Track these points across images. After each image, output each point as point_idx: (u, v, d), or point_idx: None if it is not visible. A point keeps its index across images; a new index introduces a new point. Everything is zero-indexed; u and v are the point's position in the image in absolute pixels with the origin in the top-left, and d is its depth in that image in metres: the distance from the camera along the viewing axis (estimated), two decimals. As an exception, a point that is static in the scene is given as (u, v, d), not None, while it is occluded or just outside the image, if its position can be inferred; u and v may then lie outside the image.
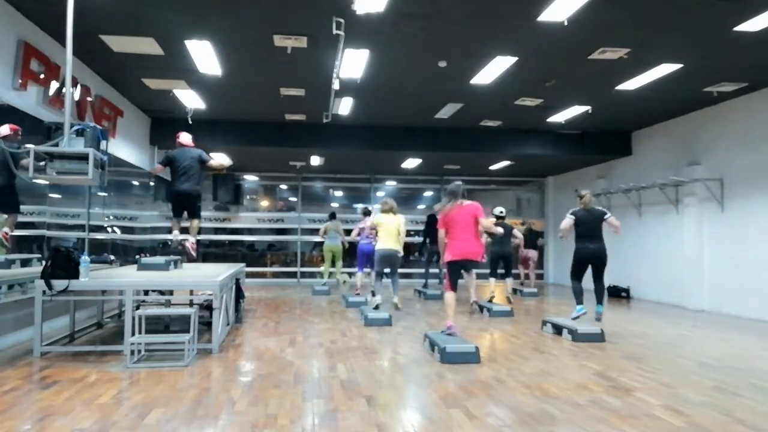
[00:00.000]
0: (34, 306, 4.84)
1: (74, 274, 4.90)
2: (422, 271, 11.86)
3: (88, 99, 7.34)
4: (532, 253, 11.88)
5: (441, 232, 5.75)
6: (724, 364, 5.03)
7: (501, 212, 9.42)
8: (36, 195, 6.48)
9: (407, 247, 11.24)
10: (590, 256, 6.31)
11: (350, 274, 12.24)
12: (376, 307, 7.42)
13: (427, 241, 11.15)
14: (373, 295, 7.81)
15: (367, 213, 10.00)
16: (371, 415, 3.44)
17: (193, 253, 6.90)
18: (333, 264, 11.16)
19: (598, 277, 6.35)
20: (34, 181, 4.61)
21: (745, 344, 6.20)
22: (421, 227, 13.60)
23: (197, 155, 6.63)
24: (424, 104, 9.21)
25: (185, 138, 6.84)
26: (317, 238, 14.79)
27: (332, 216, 11.40)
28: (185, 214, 6.73)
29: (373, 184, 15.18)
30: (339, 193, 16.07)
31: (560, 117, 9.75)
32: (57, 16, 5.07)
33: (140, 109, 9.67)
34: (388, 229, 7.70)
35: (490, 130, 10.92)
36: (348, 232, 10.93)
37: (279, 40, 6.35)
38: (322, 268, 11.53)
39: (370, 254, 8.62)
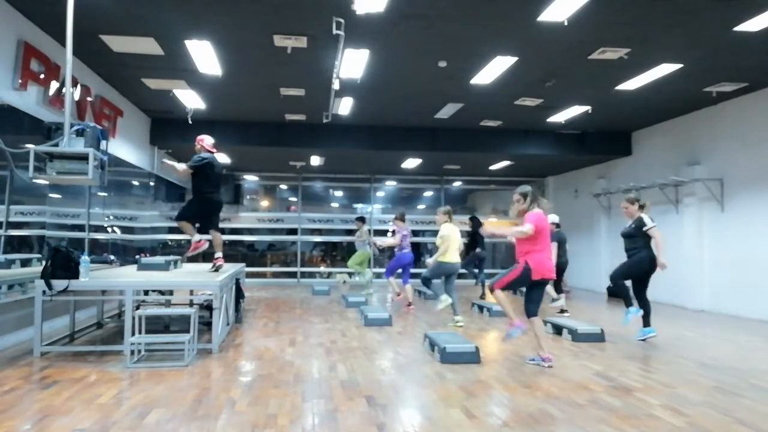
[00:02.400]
0: (34, 306, 4.84)
1: (74, 274, 4.91)
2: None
3: (88, 99, 7.34)
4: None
5: (530, 228, 4.80)
6: (724, 364, 5.03)
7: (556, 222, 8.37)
8: (36, 195, 6.48)
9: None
10: None
11: (350, 274, 12.25)
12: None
13: (474, 246, 10.52)
14: (456, 313, 7.18)
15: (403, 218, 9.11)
16: (371, 415, 3.44)
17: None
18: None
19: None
20: (34, 181, 4.61)
21: (745, 344, 6.20)
22: (421, 227, 13.67)
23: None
24: (424, 104, 9.21)
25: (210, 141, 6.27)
26: (317, 238, 14.85)
27: (364, 220, 11.27)
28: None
29: (373, 184, 15.17)
30: (339, 193, 16.08)
31: (560, 117, 9.75)
32: (57, 16, 5.08)
33: (140, 109, 9.67)
34: (456, 241, 7.18)
35: (490, 130, 10.92)
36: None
37: (279, 40, 6.35)
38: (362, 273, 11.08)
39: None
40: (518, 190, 5.11)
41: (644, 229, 6.02)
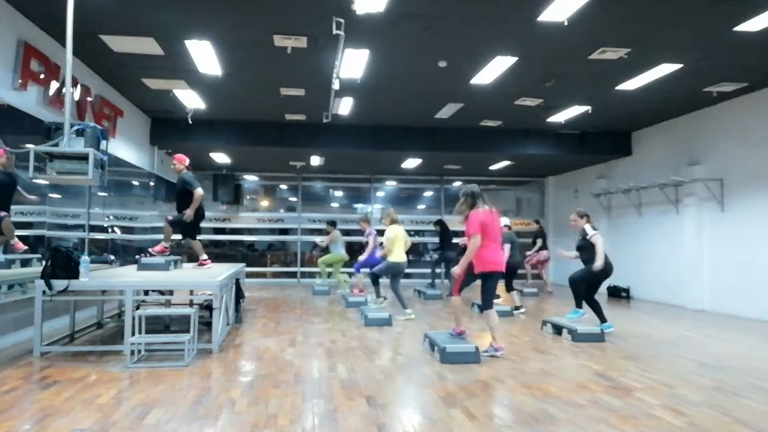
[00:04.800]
0: (34, 306, 4.84)
1: (74, 274, 4.90)
2: (427, 271, 12.27)
3: (88, 99, 7.34)
4: (546, 254, 11.96)
5: (478, 238, 5.01)
6: (724, 364, 5.04)
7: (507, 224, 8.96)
8: (36, 195, 6.48)
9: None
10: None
11: (350, 274, 12.25)
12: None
13: (442, 247, 11.32)
14: (405, 307, 7.62)
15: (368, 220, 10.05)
16: (371, 415, 3.44)
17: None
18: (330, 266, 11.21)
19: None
20: (34, 181, 4.61)
21: (745, 344, 6.20)
22: (422, 227, 13.74)
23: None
24: (424, 104, 9.21)
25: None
26: (318, 239, 14.84)
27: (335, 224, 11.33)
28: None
29: (373, 184, 15.17)
30: (339, 193, 16.07)
31: (560, 117, 9.75)
32: (57, 16, 5.08)
33: (140, 109, 9.67)
34: (402, 241, 7.68)
35: (490, 130, 10.92)
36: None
37: (279, 40, 6.35)
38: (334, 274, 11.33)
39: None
40: (461, 191, 5.32)
41: (588, 238, 6.46)
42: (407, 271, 9.17)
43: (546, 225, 14.82)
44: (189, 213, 6.32)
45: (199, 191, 6.36)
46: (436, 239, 11.99)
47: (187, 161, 6.71)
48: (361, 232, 10.25)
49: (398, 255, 7.56)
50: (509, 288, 8.56)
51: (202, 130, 10.31)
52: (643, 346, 5.86)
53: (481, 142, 11.08)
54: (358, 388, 4.06)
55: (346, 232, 12.41)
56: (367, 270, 9.11)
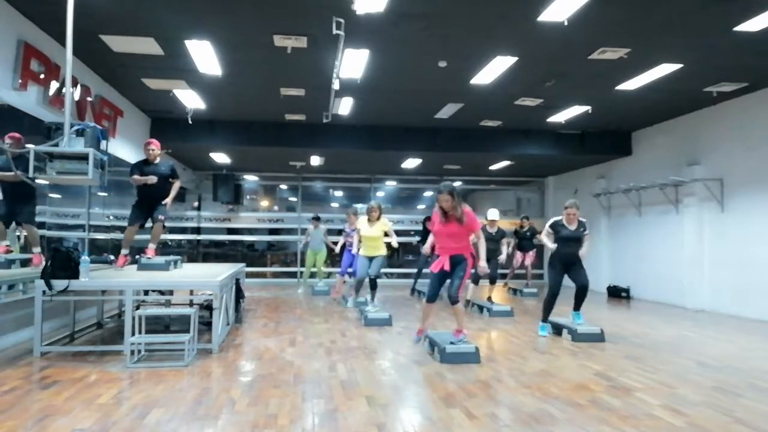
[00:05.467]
0: (34, 306, 4.85)
1: (74, 274, 4.91)
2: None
3: (88, 99, 7.33)
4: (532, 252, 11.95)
5: (481, 232, 5.33)
6: (724, 364, 5.04)
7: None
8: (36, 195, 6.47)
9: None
10: None
11: (350, 274, 12.23)
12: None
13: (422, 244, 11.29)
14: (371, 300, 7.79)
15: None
16: (371, 415, 3.44)
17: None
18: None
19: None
20: (34, 181, 4.61)
21: (745, 344, 6.20)
22: (421, 227, 13.73)
23: None
24: (424, 104, 9.21)
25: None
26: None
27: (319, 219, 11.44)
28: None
29: (373, 184, 15.17)
30: (339, 193, 16.08)
31: (560, 117, 9.75)
32: (57, 16, 5.07)
33: (140, 109, 9.67)
34: None
35: (490, 130, 10.92)
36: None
37: (279, 40, 6.35)
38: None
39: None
40: (445, 189, 4.91)
41: (586, 232, 6.38)
42: (406, 271, 9.21)
43: (545, 224, 14.79)
44: (170, 202, 6.29)
45: (179, 181, 6.44)
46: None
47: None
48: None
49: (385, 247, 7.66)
50: (478, 282, 8.57)
51: (202, 130, 10.31)
52: (643, 346, 5.86)
53: (481, 142, 11.08)
54: (358, 388, 4.06)
55: (339, 233, 12.41)
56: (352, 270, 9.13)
